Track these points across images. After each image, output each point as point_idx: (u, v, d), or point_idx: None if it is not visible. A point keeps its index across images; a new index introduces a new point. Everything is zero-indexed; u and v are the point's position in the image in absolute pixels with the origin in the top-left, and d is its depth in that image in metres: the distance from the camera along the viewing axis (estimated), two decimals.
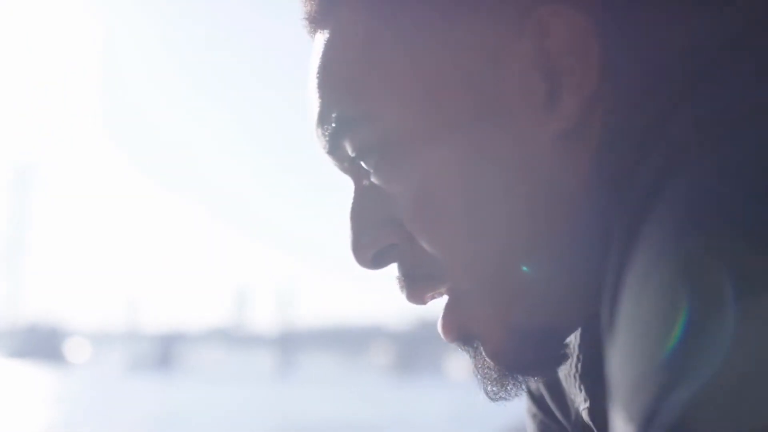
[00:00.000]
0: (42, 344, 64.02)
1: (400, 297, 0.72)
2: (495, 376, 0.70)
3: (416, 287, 0.71)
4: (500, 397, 0.71)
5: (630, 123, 0.63)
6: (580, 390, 0.73)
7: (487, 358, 0.70)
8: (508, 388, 0.71)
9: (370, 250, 0.71)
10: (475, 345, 0.70)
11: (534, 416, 0.86)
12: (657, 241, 0.51)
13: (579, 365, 0.71)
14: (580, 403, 0.73)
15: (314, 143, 0.73)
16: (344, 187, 0.74)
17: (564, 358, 0.70)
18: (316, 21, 0.73)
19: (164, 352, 64.40)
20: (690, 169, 0.53)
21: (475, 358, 0.71)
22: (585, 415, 0.73)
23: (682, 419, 0.44)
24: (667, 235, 0.51)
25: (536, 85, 0.65)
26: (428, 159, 0.67)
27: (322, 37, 0.72)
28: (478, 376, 0.71)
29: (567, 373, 0.74)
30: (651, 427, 0.45)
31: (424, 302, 0.72)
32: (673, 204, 0.52)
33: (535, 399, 0.86)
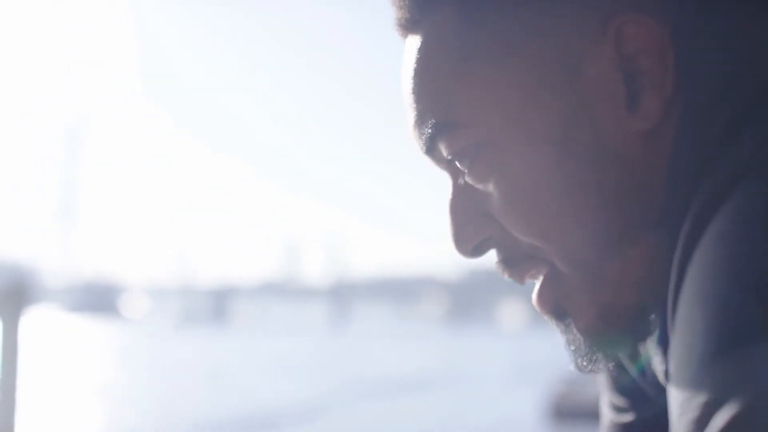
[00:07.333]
0: (99, 300, 64.89)
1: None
2: (585, 350, 0.75)
3: (516, 270, 0.76)
4: (590, 369, 0.75)
5: (701, 131, 0.66)
6: (658, 354, 0.78)
7: (578, 334, 0.74)
8: (597, 361, 0.75)
9: (470, 242, 0.76)
10: (567, 321, 0.75)
11: (608, 372, 0.91)
12: (717, 244, 0.57)
13: (658, 332, 0.75)
14: (658, 364, 0.78)
15: (412, 143, 0.78)
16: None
17: (649, 333, 0.75)
18: (407, 27, 0.78)
19: (217, 306, 64.96)
20: (748, 189, 0.58)
21: (566, 332, 0.76)
22: (661, 377, 0.78)
23: (733, 426, 0.49)
24: (727, 240, 0.57)
25: (618, 87, 0.70)
26: (521, 160, 0.72)
27: (414, 43, 0.76)
28: (570, 350, 0.76)
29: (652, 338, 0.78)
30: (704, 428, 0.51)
31: (523, 282, 0.77)
32: (729, 221, 0.57)
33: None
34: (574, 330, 0.75)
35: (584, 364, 0.75)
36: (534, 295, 0.76)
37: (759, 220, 0.56)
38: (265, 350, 29.40)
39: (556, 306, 0.75)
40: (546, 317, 0.77)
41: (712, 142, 0.64)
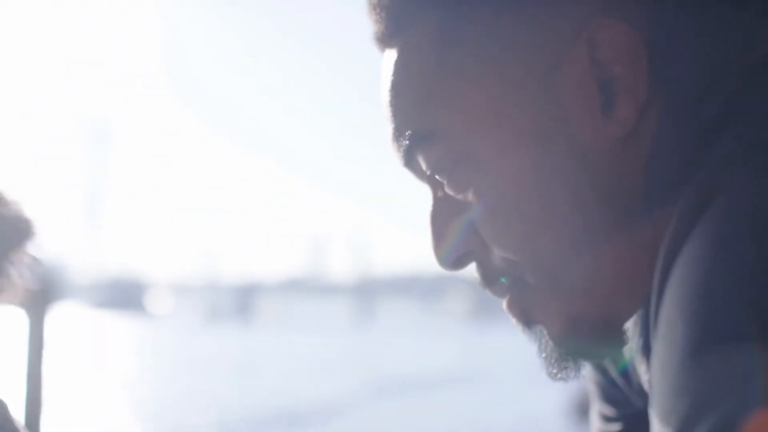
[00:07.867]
0: (125, 296, 65.17)
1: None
2: (556, 358, 0.74)
3: (494, 286, 0.76)
4: (560, 378, 0.75)
5: (680, 133, 0.67)
6: (642, 363, 0.77)
7: (549, 341, 0.74)
8: (568, 370, 0.75)
9: (450, 255, 0.76)
10: (537, 329, 0.75)
11: (597, 383, 0.93)
12: (698, 256, 0.56)
13: (641, 341, 0.74)
14: (642, 374, 0.77)
15: (392, 155, 0.78)
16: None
17: (621, 343, 0.74)
18: (384, 41, 0.77)
19: (242, 303, 65.06)
20: (735, 189, 0.57)
21: (538, 340, 0.75)
22: (646, 386, 0.76)
23: None
24: (711, 245, 0.56)
25: (592, 93, 0.69)
26: (496, 171, 0.71)
27: (391, 56, 0.76)
28: (541, 358, 0.75)
29: (635, 347, 0.77)
30: None
31: (505, 297, 0.76)
32: (716, 221, 0.57)
33: (599, 367, 0.92)
34: (545, 337, 0.74)
35: (554, 371, 0.75)
36: (504, 303, 0.76)
37: (743, 223, 0.55)
38: (290, 347, 29.43)
39: (525, 314, 0.75)
40: (516, 324, 0.76)
41: (690, 145, 0.65)
